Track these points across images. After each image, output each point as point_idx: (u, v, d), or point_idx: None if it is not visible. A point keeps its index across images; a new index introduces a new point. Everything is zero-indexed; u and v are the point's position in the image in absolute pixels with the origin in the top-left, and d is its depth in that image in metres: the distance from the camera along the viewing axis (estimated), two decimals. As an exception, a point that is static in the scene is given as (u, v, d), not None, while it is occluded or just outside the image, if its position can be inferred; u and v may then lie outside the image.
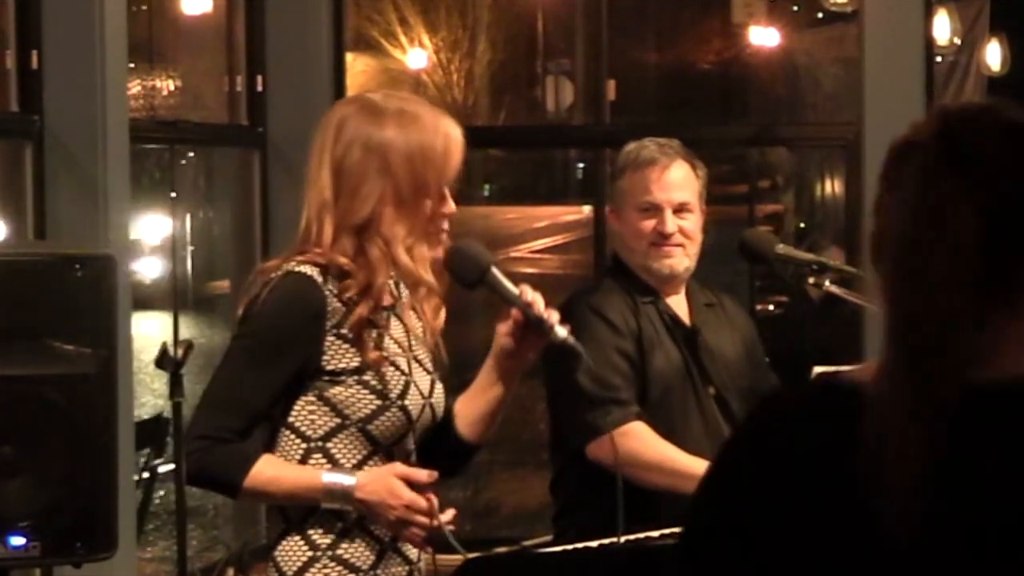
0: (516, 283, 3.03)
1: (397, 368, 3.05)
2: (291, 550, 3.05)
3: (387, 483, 2.97)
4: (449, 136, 3.06)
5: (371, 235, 3.01)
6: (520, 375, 3.11)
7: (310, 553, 3.04)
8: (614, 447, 3.26)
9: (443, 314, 3.16)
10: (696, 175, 4.12)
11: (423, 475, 3.00)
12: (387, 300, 3.09)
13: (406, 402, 3.04)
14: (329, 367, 3.01)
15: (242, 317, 3.05)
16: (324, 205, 3.02)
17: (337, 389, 3.02)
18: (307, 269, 3.01)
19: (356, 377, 3.02)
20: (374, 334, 3.03)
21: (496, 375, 3.10)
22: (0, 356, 2.95)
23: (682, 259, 4.07)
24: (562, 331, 2.98)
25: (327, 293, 3.00)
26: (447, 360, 3.18)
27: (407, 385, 3.05)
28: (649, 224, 4.06)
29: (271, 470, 3.01)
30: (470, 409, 3.14)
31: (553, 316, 2.98)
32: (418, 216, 3.02)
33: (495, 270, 3.01)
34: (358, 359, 3.01)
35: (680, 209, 4.06)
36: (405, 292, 3.16)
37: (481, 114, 12.25)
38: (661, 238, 4.05)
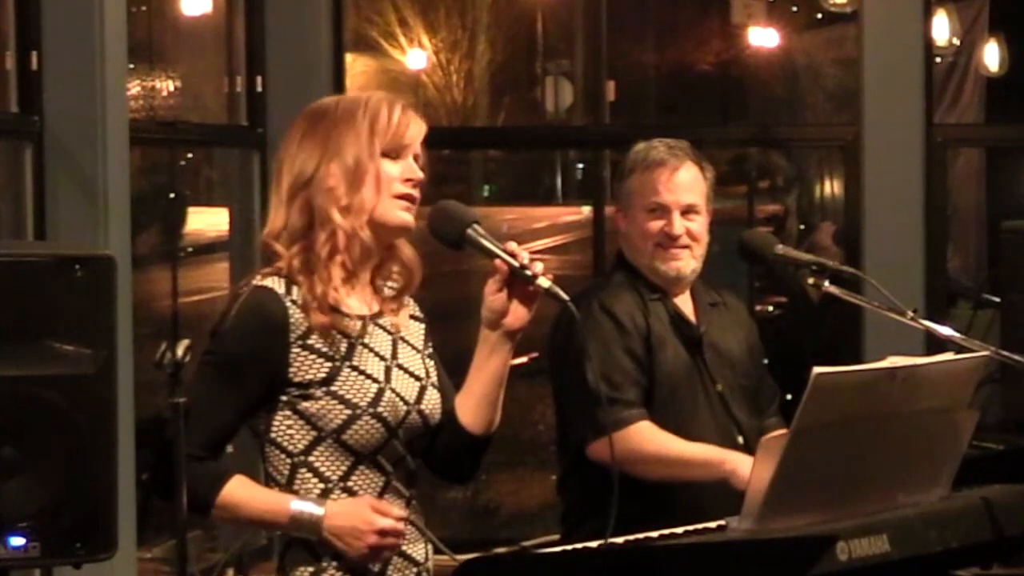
0: (502, 242, 3.03)
1: (368, 376, 3.04)
2: (297, 555, 3.05)
3: (361, 511, 2.98)
4: (399, 107, 3.09)
5: (316, 189, 3.04)
6: (514, 341, 3.07)
7: (316, 562, 3.04)
8: (611, 449, 3.26)
9: (408, 304, 3.17)
10: (704, 177, 4.12)
11: (395, 512, 3.01)
12: (368, 310, 3.10)
13: (379, 409, 3.02)
14: (297, 379, 3.01)
15: (211, 333, 3.08)
16: (277, 198, 3.09)
17: (308, 403, 3.02)
18: (270, 282, 3.04)
19: (325, 388, 3.01)
20: (343, 345, 3.03)
21: (490, 346, 3.07)
22: (0, 356, 2.95)
23: (689, 261, 4.08)
24: (545, 280, 2.96)
25: (289, 304, 3.01)
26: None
27: (380, 393, 3.03)
28: (656, 225, 4.06)
29: (242, 492, 3.02)
30: (470, 393, 3.12)
31: (537, 266, 2.98)
32: (358, 176, 3.04)
33: (477, 227, 3.00)
34: (326, 369, 3.01)
35: (688, 211, 4.07)
36: (408, 305, 3.18)
37: (481, 115, 12.24)
38: (668, 240, 4.06)
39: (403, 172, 3.07)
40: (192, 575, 5.66)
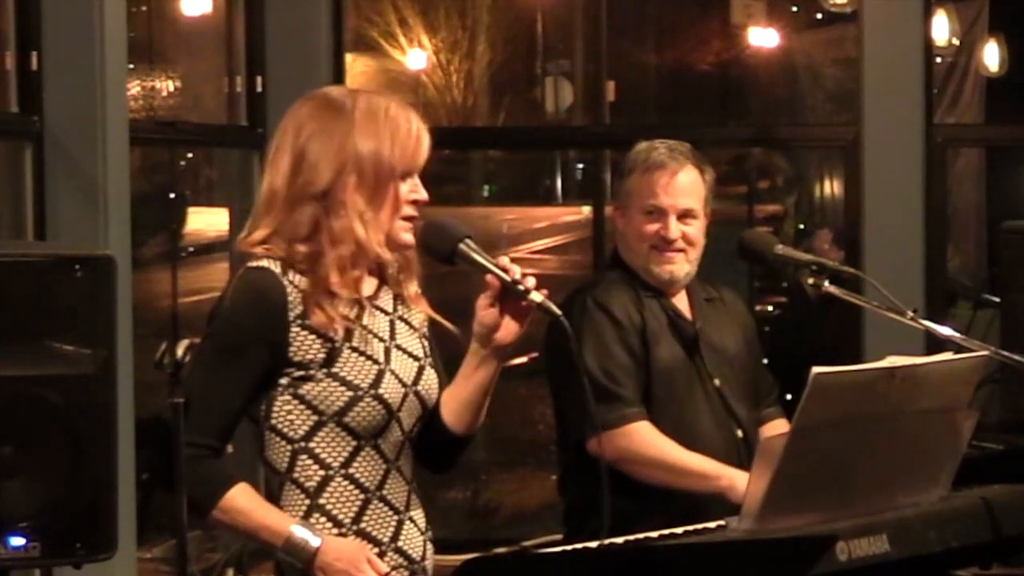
0: (495, 257, 3.03)
1: (369, 358, 3.04)
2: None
3: (357, 556, 2.98)
4: (419, 125, 3.08)
5: (329, 204, 3.02)
6: (504, 355, 3.08)
7: None
8: (599, 444, 3.26)
9: (414, 284, 3.15)
10: (703, 180, 4.12)
11: (385, 568, 3.01)
12: (365, 292, 3.09)
13: (380, 391, 3.02)
14: (297, 358, 3.00)
15: (209, 316, 3.07)
16: (279, 187, 3.04)
17: (309, 385, 3.01)
18: (265, 262, 3.02)
19: (326, 370, 3.01)
20: (338, 310, 3.02)
21: (479, 358, 3.08)
22: (0, 356, 2.95)
23: (683, 265, 4.08)
24: (538, 295, 2.96)
25: (287, 283, 3.00)
26: (459, 332, 3.19)
27: (380, 374, 3.03)
28: (653, 228, 4.06)
29: (245, 501, 3.01)
30: (455, 397, 3.13)
31: (529, 281, 2.98)
32: (379, 195, 3.03)
33: (469, 242, 3.00)
34: (326, 350, 3.01)
35: (684, 215, 4.07)
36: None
37: (481, 115, 12.23)
38: (664, 243, 4.06)
39: (410, 191, 3.07)
40: (192, 575, 5.67)
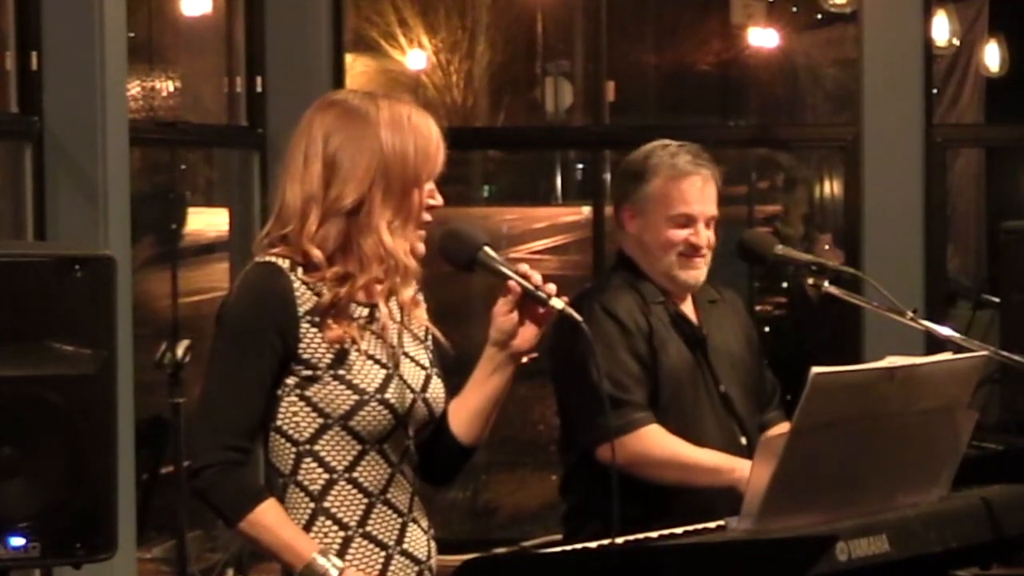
0: (512, 264, 3.02)
1: (377, 362, 3.03)
2: None
3: None
4: (438, 132, 3.09)
5: (360, 221, 3.01)
6: (518, 363, 3.07)
7: None
8: (612, 452, 3.25)
9: (422, 303, 3.15)
10: (717, 183, 4.12)
11: None
12: (375, 296, 3.09)
13: (387, 395, 3.01)
14: (305, 356, 2.98)
15: (217, 316, 3.05)
16: (311, 197, 3.01)
17: (316, 387, 3.00)
18: (272, 258, 3.01)
19: (332, 372, 2.99)
20: (353, 327, 3.02)
21: (493, 365, 3.07)
22: (0, 356, 2.95)
23: (704, 270, 4.06)
24: (559, 301, 2.95)
25: (294, 278, 2.99)
26: (451, 349, 3.18)
27: (387, 379, 3.02)
28: (680, 235, 4.02)
29: (272, 519, 2.98)
30: (465, 405, 3.11)
31: (550, 287, 2.97)
32: (404, 204, 3.03)
33: (488, 249, 3.00)
34: (334, 351, 3.00)
35: (709, 221, 4.06)
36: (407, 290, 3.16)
37: (480, 115, 12.22)
38: (692, 250, 4.03)
39: (427, 197, 3.06)
40: (192, 575, 5.66)
